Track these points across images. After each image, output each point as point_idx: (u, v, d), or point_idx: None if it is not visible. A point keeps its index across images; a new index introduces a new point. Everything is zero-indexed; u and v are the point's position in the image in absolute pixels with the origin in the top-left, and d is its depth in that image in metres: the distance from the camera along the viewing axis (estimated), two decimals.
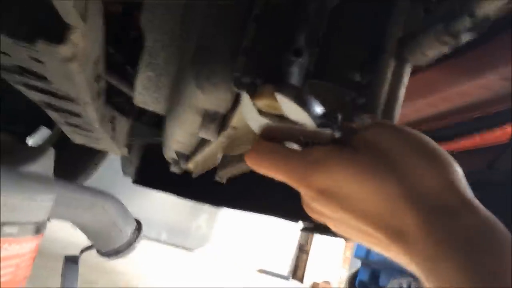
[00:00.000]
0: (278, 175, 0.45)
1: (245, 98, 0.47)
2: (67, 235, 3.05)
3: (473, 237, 0.35)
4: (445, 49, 0.42)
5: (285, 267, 6.07)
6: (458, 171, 0.39)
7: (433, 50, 0.44)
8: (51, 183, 0.58)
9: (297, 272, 6.19)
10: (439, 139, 1.12)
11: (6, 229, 0.45)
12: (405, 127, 0.42)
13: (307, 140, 0.44)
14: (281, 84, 0.45)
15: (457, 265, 0.34)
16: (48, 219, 0.59)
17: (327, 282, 6.18)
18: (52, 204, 0.57)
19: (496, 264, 0.33)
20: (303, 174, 0.42)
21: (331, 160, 0.41)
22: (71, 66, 0.51)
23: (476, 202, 0.38)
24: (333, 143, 0.43)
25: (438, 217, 0.36)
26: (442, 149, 0.40)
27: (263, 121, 0.46)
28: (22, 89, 0.71)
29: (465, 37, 0.41)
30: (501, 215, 0.87)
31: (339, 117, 0.43)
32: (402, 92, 0.51)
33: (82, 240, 0.94)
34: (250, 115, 0.47)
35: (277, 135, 0.46)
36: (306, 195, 0.44)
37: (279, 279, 5.77)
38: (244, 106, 0.48)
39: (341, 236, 0.52)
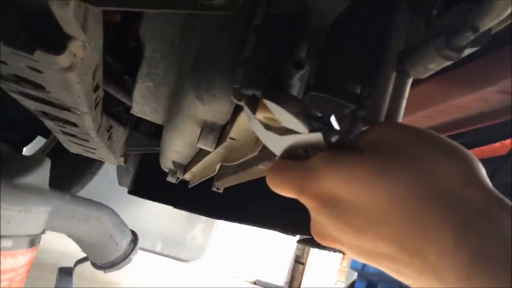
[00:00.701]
0: (287, 191, 0.41)
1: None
2: (62, 246, 3.02)
3: (507, 243, 0.29)
4: (446, 63, 0.42)
5: (281, 278, 6.03)
6: (480, 166, 0.34)
7: (435, 64, 0.43)
8: (47, 195, 0.58)
9: (293, 283, 6.14)
10: None
11: (1, 243, 0.44)
12: (409, 125, 0.38)
13: (313, 151, 0.41)
14: (280, 96, 0.45)
15: (500, 280, 0.28)
16: (43, 232, 0.58)
17: None
18: (47, 215, 0.57)
19: None
20: (301, 183, 0.38)
21: (329, 165, 0.36)
22: (69, 76, 0.50)
23: (505, 199, 0.32)
24: (333, 148, 0.38)
25: (470, 222, 0.30)
26: (458, 144, 0.35)
27: (284, 143, 0.43)
28: (18, 97, 0.70)
29: (467, 51, 0.41)
30: None
31: (333, 119, 0.39)
32: (403, 104, 0.51)
33: (77, 251, 0.93)
34: (269, 140, 0.45)
35: (292, 153, 0.43)
36: (309, 208, 0.40)
37: None
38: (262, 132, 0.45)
39: (338, 251, 0.49)
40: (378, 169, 0.34)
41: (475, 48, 0.42)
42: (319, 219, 0.39)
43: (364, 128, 0.40)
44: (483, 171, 0.34)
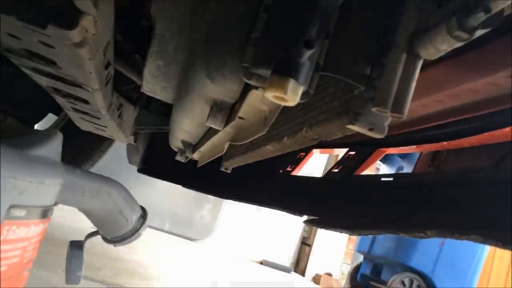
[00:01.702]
0: None
1: None
2: (73, 221, 3.08)
3: None
4: (458, 44, 0.42)
5: (287, 259, 6.09)
6: None
7: (446, 45, 0.43)
8: (59, 167, 0.59)
9: (299, 264, 6.21)
10: (446, 136, 1.11)
11: (15, 212, 0.45)
12: None
13: None
14: (292, 76, 0.45)
15: None
16: (55, 204, 0.59)
17: (329, 274, 6.20)
18: (59, 188, 0.58)
19: None
20: None
21: None
22: (81, 51, 0.51)
23: None
24: None
25: None
26: None
27: None
28: (30, 73, 0.71)
29: (479, 32, 0.41)
30: (505, 212, 0.86)
31: None
32: (412, 86, 0.50)
33: (88, 227, 0.95)
34: None
35: None
36: None
37: (281, 271, 5.79)
38: None
39: (344, 232, 0.49)
40: None
41: (487, 30, 0.42)
42: None
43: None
44: None
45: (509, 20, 0.54)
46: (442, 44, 0.44)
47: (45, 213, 0.53)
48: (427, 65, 0.87)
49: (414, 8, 0.51)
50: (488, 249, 4.43)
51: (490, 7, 0.38)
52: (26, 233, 0.49)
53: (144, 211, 0.94)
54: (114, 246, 0.93)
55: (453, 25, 0.41)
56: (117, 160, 3.36)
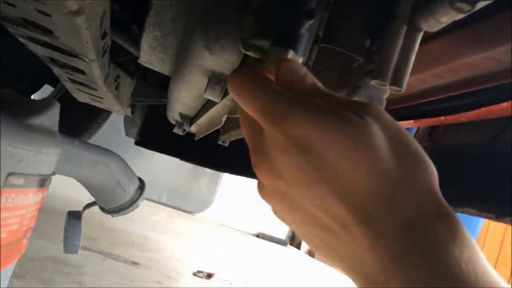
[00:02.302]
0: (249, 108, 0.40)
1: None
2: (71, 193, 3.10)
3: (451, 241, 0.34)
4: (459, 16, 0.41)
5: (284, 232, 6.17)
6: (437, 178, 0.38)
7: (447, 17, 0.43)
8: (56, 137, 0.59)
9: (295, 237, 6.29)
10: (444, 110, 1.11)
11: (13, 180, 0.46)
12: (397, 123, 0.40)
13: None
14: (291, 47, 0.45)
15: (427, 271, 0.33)
16: (53, 174, 0.59)
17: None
18: (57, 157, 0.58)
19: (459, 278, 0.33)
20: (283, 115, 0.37)
21: (330, 119, 0.36)
22: (77, 20, 0.50)
23: (451, 210, 0.37)
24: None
25: (422, 216, 0.35)
26: (424, 152, 0.39)
27: None
28: (27, 42, 0.70)
29: (480, 4, 0.40)
30: (503, 185, 0.87)
31: None
32: (412, 59, 0.50)
33: (86, 198, 0.95)
34: None
35: None
36: (273, 140, 0.38)
37: (276, 244, 5.87)
38: None
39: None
40: (373, 143, 0.36)
41: (489, 1, 0.41)
42: (279, 156, 0.38)
43: (361, 103, 0.40)
44: (437, 181, 0.38)
45: None
46: (443, 16, 0.43)
47: (43, 182, 0.53)
48: (426, 39, 0.86)
49: None
50: (480, 226, 4.50)
51: None
52: (24, 201, 0.50)
53: (142, 182, 0.95)
54: (112, 216, 0.94)
55: None
56: (114, 132, 3.36)
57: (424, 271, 0.33)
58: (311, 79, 0.42)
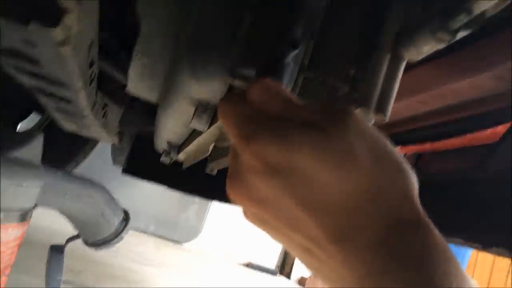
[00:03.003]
0: (230, 130, 0.40)
1: None
2: (53, 223, 3.03)
3: (426, 256, 0.34)
4: (440, 45, 0.42)
5: (273, 262, 6.09)
6: (417, 186, 0.38)
7: (429, 46, 0.44)
8: (38, 169, 0.58)
9: (284, 267, 6.21)
10: (430, 137, 1.12)
11: None
12: (374, 128, 0.39)
13: None
14: (276, 76, 0.45)
15: (405, 283, 0.33)
16: (35, 207, 0.58)
17: (314, 277, 6.22)
18: (39, 190, 0.57)
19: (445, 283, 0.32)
20: (255, 136, 0.37)
21: (303, 135, 0.36)
22: (64, 50, 0.50)
23: (428, 219, 0.36)
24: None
25: (396, 230, 0.34)
26: (405, 160, 0.39)
27: None
28: (13, 72, 0.70)
29: (461, 34, 0.41)
30: (490, 213, 0.87)
31: None
32: (395, 87, 0.51)
33: (69, 229, 0.93)
34: None
35: None
36: (248, 165, 0.38)
37: (266, 274, 5.79)
38: None
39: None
40: (342, 158, 0.35)
41: (469, 31, 0.42)
42: (252, 179, 0.38)
43: (335, 110, 0.39)
44: (417, 193, 0.38)
45: (492, 21, 0.54)
46: (425, 46, 0.44)
47: (24, 216, 0.52)
48: (411, 66, 0.88)
49: (398, 9, 0.52)
50: (469, 254, 4.50)
51: (472, 9, 0.38)
52: (3, 237, 0.48)
53: (126, 214, 0.93)
54: (95, 250, 0.92)
55: (436, 27, 0.41)
56: (101, 160, 3.33)
57: (400, 286, 0.33)
58: (283, 95, 0.41)
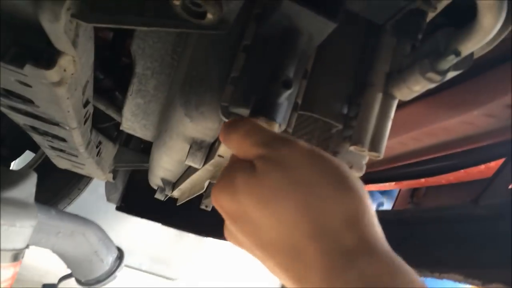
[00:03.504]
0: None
1: None
2: (46, 263, 2.97)
3: (371, 283, 0.32)
4: (430, 85, 0.43)
5: None
6: (367, 206, 0.36)
7: (419, 86, 0.44)
8: (32, 209, 0.57)
9: None
10: (424, 173, 1.12)
11: None
12: (319, 150, 0.38)
13: None
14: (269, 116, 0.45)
15: None
16: (27, 246, 0.57)
17: None
18: (32, 230, 0.56)
19: None
20: (214, 188, 0.40)
21: (241, 180, 0.37)
22: (59, 90, 0.51)
23: (374, 240, 0.34)
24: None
25: (336, 264, 0.33)
26: (356, 179, 0.37)
27: None
28: (7, 111, 0.70)
29: (450, 74, 0.42)
30: (487, 249, 0.86)
31: None
32: (388, 125, 0.51)
33: (61, 268, 0.91)
34: None
35: None
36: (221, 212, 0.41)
37: None
38: None
39: None
40: (274, 195, 0.35)
41: (458, 72, 0.43)
42: (227, 224, 0.41)
43: (274, 141, 0.38)
44: (368, 213, 0.35)
45: (481, 59, 0.56)
46: (416, 85, 0.45)
47: (16, 256, 0.51)
48: (404, 103, 0.89)
49: (388, 49, 0.53)
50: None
51: (460, 51, 0.39)
52: None
53: (120, 252, 0.91)
54: None
55: (426, 67, 0.42)
56: (95, 197, 3.29)
57: None
58: (239, 131, 0.41)
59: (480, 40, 0.38)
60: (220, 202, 0.39)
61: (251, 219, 0.36)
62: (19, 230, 0.50)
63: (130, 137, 1.41)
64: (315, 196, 0.34)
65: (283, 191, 0.35)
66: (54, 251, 0.76)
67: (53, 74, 0.46)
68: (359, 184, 0.36)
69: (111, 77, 1.00)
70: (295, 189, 0.35)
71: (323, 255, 0.33)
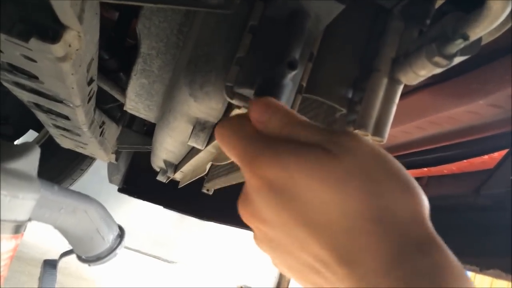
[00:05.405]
0: (232, 155, 0.41)
1: None
2: (47, 241, 3.00)
3: (438, 276, 0.32)
4: (437, 70, 0.43)
5: (269, 284, 6.01)
6: (427, 205, 0.36)
7: (425, 70, 0.44)
8: (34, 182, 0.57)
9: None
10: (427, 162, 1.12)
11: None
12: (381, 148, 0.38)
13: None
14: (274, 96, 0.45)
15: None
16: (29, 220, 0.57)
17: None
18: (34, 203, 0.56)
19: None
20: (255, 158, 0.38)
21: (297, 157, 0.36)
22: (63, 66, 0.51)
23: (439, 238, 0.35)
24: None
25: (405, 251, 0.33)
26: (413, 179, 0.37)
27: None
28: (12, 87, 0.70)
29: (457, 59, 0.42)
30: (486, 237, 0.87)
31: None
32: (393, 110, 0.51)
33: (63, 247, 0.92)
34: None
35: None
36: (250, 184, 0.39)
37: None
38: None
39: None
40: (343, 178, 0.35)
41: (465, 57, 0.43)
42: (256, 199, 0.38)
43: (336, 131, 0.39)
44: (427, 211, 0.36)
45: (488, 48, 0.55)
46: (422, 70, 0.45)
47: (18, 228, 0.51)
48: (409, 91, 0.88)
49: (395, 34, 0.53)
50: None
51: (468, 35, 0.39)
52: None
53: (121, 230, 0.92)
54: (89, 265, 0.91)
55: (433, 51, 0.42)
56: (98, 179, 3.31)
57: None
58: (284, 112, 0.41)
59: (489, 24, 0.37)
60: (263, 170, 0.37)
61: (302, 195, 0.35)
62: (21, 202, 0.50)
63: (133, 118, 1.41)
64: (382, 190, 0.35)
65: (355, 178, 0.35)
66: (56, 227, 0.76)
67: (58, 49, 0.46)
68: (418, 185, 0.37)
69: (116, 58, 1.00)
70: (365, 180, 0.35)
71: (391, 241, 0.34)
